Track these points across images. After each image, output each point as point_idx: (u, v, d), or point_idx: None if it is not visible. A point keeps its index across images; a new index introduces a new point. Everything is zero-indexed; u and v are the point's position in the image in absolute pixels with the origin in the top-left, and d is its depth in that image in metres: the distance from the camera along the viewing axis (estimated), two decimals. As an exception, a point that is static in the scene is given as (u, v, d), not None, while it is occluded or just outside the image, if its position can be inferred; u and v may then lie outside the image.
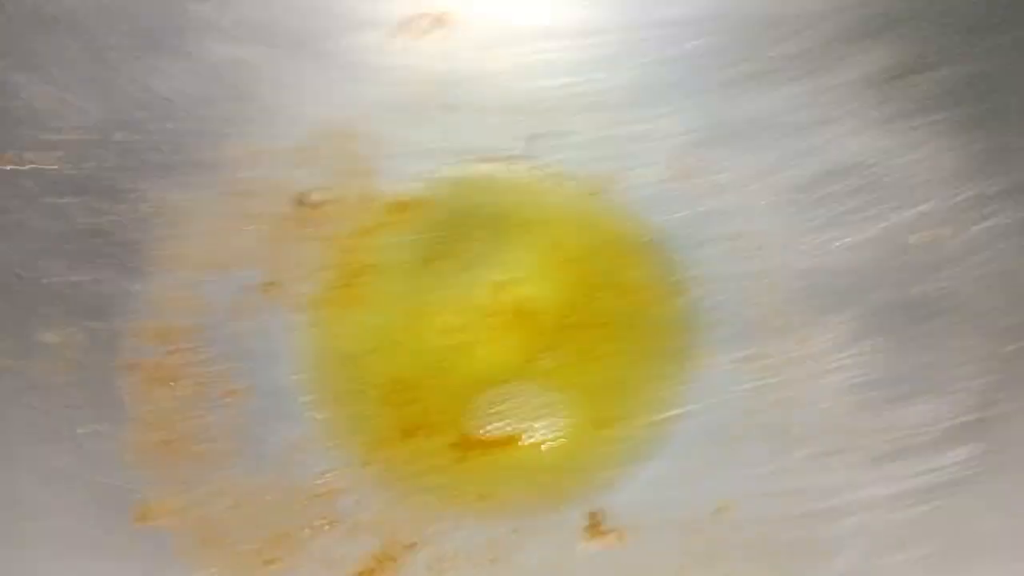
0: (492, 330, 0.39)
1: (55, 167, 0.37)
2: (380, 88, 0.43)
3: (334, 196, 0.42)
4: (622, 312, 0.39)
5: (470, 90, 0.43)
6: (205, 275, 0.39)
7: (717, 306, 0.39)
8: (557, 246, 0.41)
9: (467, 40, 0.44)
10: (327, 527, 0.33)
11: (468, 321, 0.39)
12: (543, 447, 0.35)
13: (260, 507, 0.33)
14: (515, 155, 0.43)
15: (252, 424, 0.35)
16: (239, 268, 0.39)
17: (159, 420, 0.34)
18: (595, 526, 0.33)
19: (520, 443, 0.35)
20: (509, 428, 0.36)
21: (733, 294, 0.39)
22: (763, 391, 0.36)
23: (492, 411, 0.36)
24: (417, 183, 0.42)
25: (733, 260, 0.39)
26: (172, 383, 0.35)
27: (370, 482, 0.34)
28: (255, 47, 0.42)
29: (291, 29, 0.43)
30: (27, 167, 0.36)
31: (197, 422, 0.35)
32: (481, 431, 0.36)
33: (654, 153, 0.42)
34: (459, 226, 0.42)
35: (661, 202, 0.41)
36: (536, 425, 0.36)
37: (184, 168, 0.40)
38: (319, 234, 0.41)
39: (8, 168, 0.36)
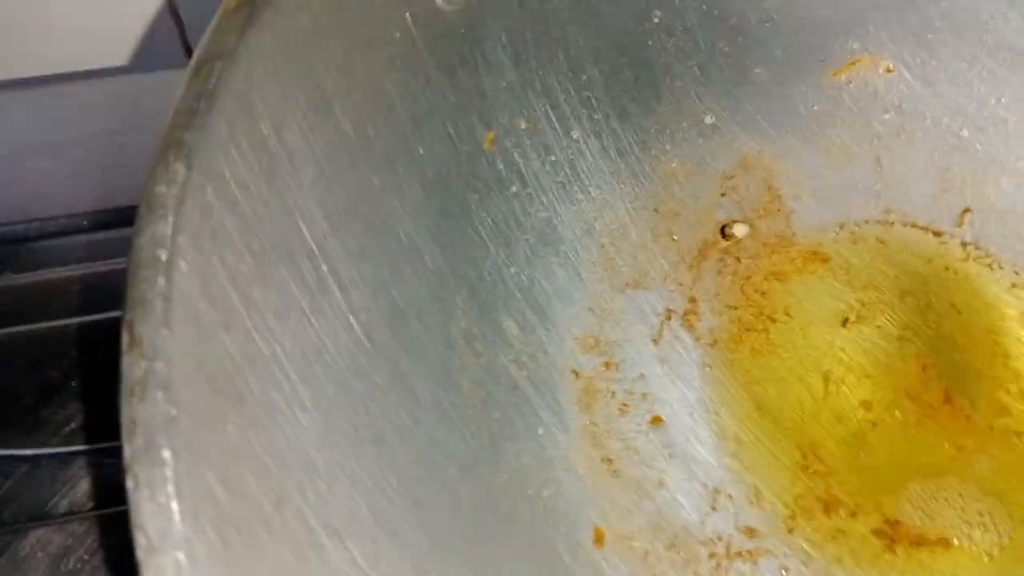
0: (918, 415, 0.36)
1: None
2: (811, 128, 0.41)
3: (755, 231, 0.40)
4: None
5: (909, 143, 0.41)
6: (632, 292, 0.37)
7: None
8: (986, 340, 0.38)
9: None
10: (757, 591, 0.31)
11: (891, 400, 0.37)
12: (985, 557, 0.33)
13: (687, 550, 0.32)
14: (949, 230, 0.40)
15: (674, 454, 0.34)
16: (661, 289, 0.38)
17: (600, 436, 0.33)
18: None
19: (956, 545, 0.33)
20: (943, 526, 0.34)
21: None
22: None
23: (923, 503, 0.34)
24: (837, 235, 0.40)
25: None
26: (608, 398, 0.34)
27: (796, 552, 0.33)
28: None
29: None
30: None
31: (629, 444, 0.34)
32: (908, 521, 0.34)
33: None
34: (881, 292, 0.39)
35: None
36: (973, 531, 0.33)
37: (624, 175, 0.39)
38: (736, 268, 0.39)
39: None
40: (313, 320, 0.25)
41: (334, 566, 0.23)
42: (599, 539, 0.30)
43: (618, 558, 0.30)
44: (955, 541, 0.33)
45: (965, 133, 0.41)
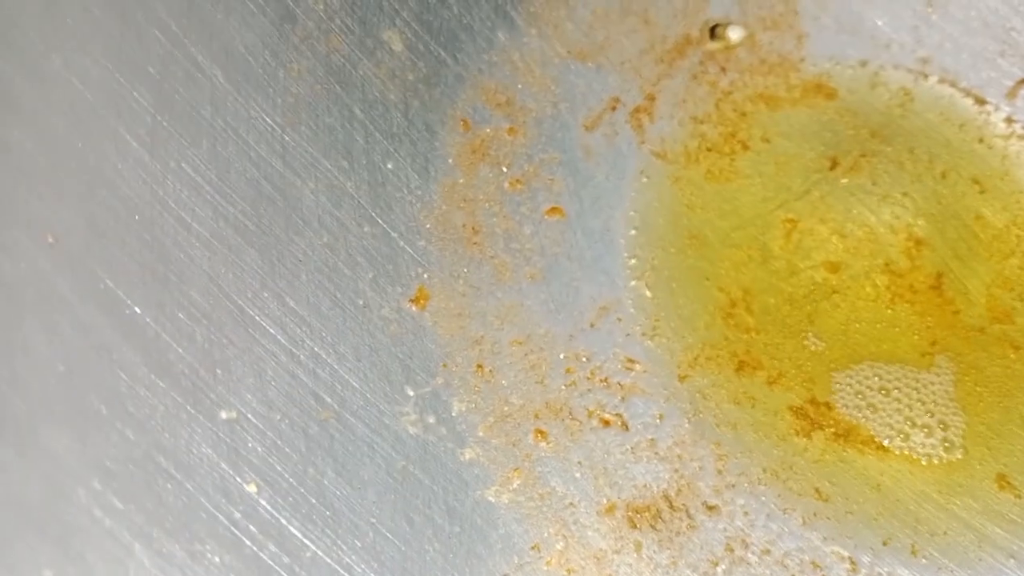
0: (893, 292, 0.28)
1: None
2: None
3: (752, 43, 0.32)
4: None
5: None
6: (575, 65, 0.30)
7: None
8: (1008, 233, 0.29)
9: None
10: (613, 427, 0.24)
11: (864, 268, 0.29)
12: (923, 461, 0.25)
13: (544, 360, 0.24)
14: (991, 96, 0.32)
15: (565, 259, 0.27)
16: (614, 73, 0.30)
17: (470, 200, 0.26)
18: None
19: (893, 449, 0.25)
20: (879, 423, 0.26)
21: None
22: None
23: (864, 391, 0.26)
24: (855, 73, 0.32)
25: None
26: (500, 166, 0.27)
27: (681, 403, 0.25)
28: None
29: None
30: None
31: (508, 223, 0.26)
32: (842, 408, 0.26)
33: None
34: (888, 146, 0.31)
35: None
36: (918, 437, 0.25)
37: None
38: (718, 79, 0.31)
39: None
40: None
41: None
42: (420, 299, 0.23)
43: (441, 331, 0.23)
44: (887, 443, 0.25)
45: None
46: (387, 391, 0.20)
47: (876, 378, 0.26)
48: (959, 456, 0.25)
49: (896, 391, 0.26)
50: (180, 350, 0.18)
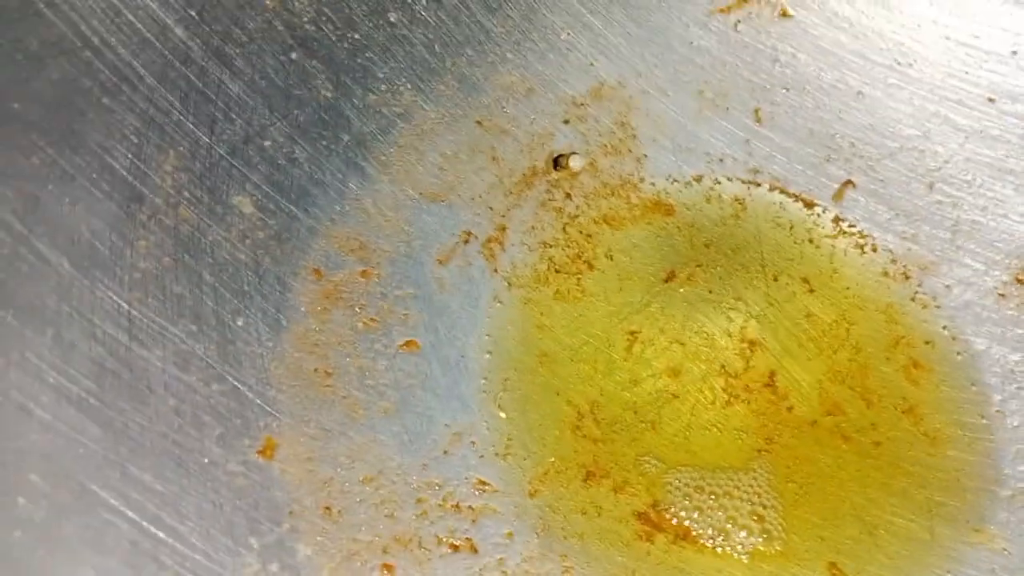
0: (728, 395, 0.30)
1: (311, 26, 0.32)
2: (686, 68, 0.36)
3: (594, 168, 0.35)
4: (898, 440, 0.30)
5: (799, 104, 0.35)
6: (427, 203, 0.32)
7: (1025, 480, 0.29)
8: (838, 327, 0.32)
9: (821, 33, 0.36)
10: (463, 551, 0.26)
11: (702, 372, 0.31)
12: (753, 565, 0.27)
13: (395, 493, 0.26)
14: (819, 198, 0.35)
15: (419, 390, 0.29)
16: (465, 208, 0.33)
17: (322, 345, 0.28)
18: None
19: (733, 554, 0.27)
20: (704, 525, 0.28)
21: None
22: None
23: (702, 496, 0.28)
24: (691, 189, 0.35)
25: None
26: (353, 307, 0.29)
27: (530, 519, 0.27)
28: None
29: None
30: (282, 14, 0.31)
31: (361, 361, 0.28)
32: (682, 515, 0.28)
33: (995, 251, 0.33)
34: (722, 256, 0.34)
35: (989, 317, 0.32)
36: (750, 538, 0.27)
37: (449, 78, 0.34)
38: (563, 205, 0.34)
39: (264, 15, 0.31)
40: None
41: None
42: (267, 449, 0.25)
43: (289, 478, 0.24)
44: (710, 544, 0.27)
45: (867, 93, 0.35)
46: (230, 545, 0.22)
47: (703, 481, 0.28)
48: (778, 548, 0.27)
49: (722, 493, 0.28)
50: (19, 533, 0.20)
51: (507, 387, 0.30)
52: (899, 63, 0.36)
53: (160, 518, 0.21)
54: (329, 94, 0.31)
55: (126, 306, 0.24)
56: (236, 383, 0.25)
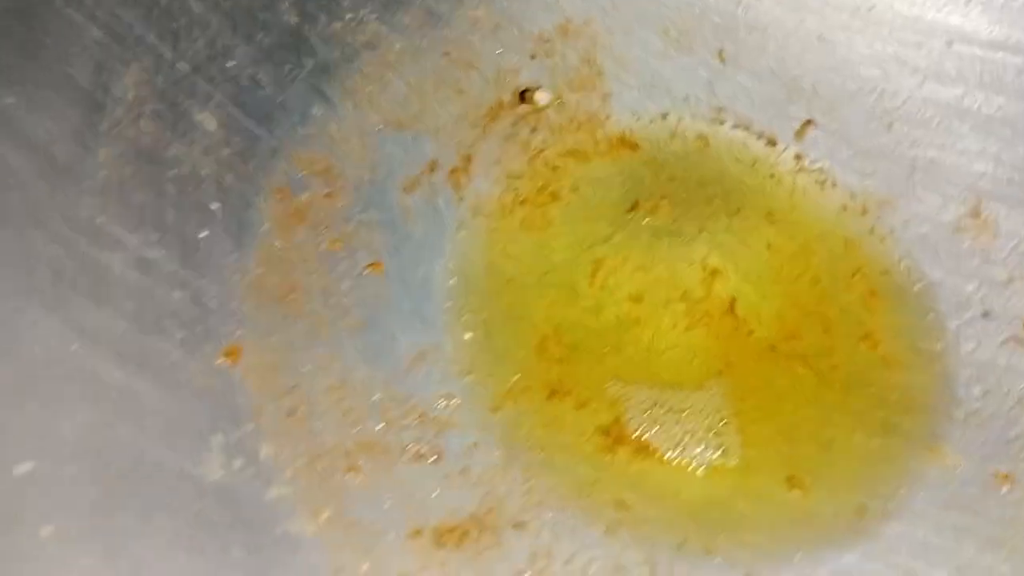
0: (689, 320, 0.31)
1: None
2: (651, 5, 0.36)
3: (560, 104, 0.35)
4: (855, 363, 0.31)
5: (762, 46, 0.36)
6: (392, 131, 0.32)
7: (977, 399, 0.30)
8: (798, 258, 0.33)
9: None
10: (428, 459, 0.26)
11: (664, 298, 0.31)
12: (711, 478, 0.27)
13: (359, 403, 0.26)
14: (781, 137, 0.35)
15: (384, 310, 0.29)
16: (430, 139, 0.33)
17: (287, 262, 0.28)
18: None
19: (690, 467, 0.28)
20: (663, 438, 0.28)
21: (1000, 392, 0.30)
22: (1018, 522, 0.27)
23: (661, 412, 0.29)
24: (655, 125, 0.35)
25: (1017, 352, 0.31)
26: (317, 228, 0.29)
27: (494, 432, 0.27)
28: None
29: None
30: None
31: (325, 281, 0.28)
32: (642, 429, 0.28)
33: (951, 187, 0.33)
34: (685, 189, 0.34)
35: (945, 250, 0.32)
36: (707, 452, 0.28)
37: (416, 10, 0.34)
38: (529, 139, 0.34)
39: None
40: None
41: None
42: (232, 353, 0.25)
43: (252, 384, 0.24)
44: (668, 456, 0.28)
45: (828, 36, 0.36)
46: (193, 442, 0.22)
47: (663, 398, 0.29)
48: (735, 462, 0.27)
49: (680, 410, 0.29)
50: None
51: (472, 310, 0.30)
52: (860, 7, 0.36)
53: (122, 411, 0.21)
54: (294, 20, 0.31)
55: (86, 212, 0.24)
56: (199, 291, 0.25)
